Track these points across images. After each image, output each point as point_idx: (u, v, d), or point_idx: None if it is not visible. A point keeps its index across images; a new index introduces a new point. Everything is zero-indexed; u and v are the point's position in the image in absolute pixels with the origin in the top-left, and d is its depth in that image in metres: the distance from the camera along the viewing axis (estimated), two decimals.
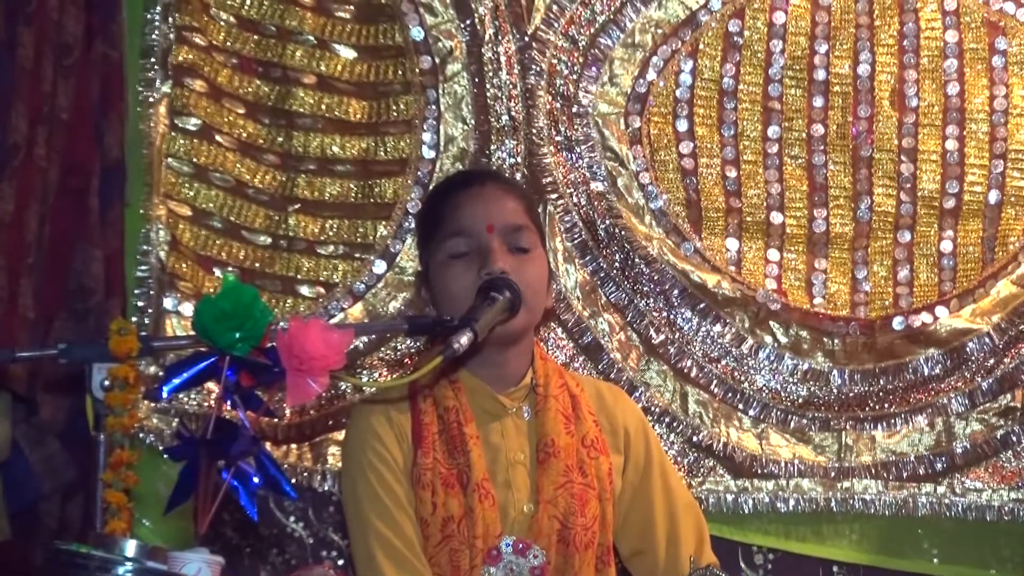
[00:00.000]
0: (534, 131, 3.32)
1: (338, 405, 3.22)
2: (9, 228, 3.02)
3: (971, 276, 3.38)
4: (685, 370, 3.33)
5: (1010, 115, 3.38)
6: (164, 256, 3.18)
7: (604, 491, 2.41)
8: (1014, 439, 3.34)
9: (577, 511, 2.36)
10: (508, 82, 3.32)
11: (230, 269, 3.23)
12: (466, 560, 2.30)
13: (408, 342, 3.25)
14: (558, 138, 3.33)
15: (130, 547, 1.73)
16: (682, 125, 3.37)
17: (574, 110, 3.34)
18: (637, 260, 3.32)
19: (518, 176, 3.28)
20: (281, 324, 1.84)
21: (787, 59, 3.39)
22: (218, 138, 3.25)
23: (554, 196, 3.31)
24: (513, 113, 3.32)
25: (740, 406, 3.33)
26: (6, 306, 3.01)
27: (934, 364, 3.35)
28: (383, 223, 3.29)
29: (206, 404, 3.14)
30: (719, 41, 3.38)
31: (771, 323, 3.36)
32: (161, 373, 3.03)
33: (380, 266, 3.28)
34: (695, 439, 3.31)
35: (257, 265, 3.26)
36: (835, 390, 3.35)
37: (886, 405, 3.35)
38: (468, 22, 3.32)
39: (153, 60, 3.21)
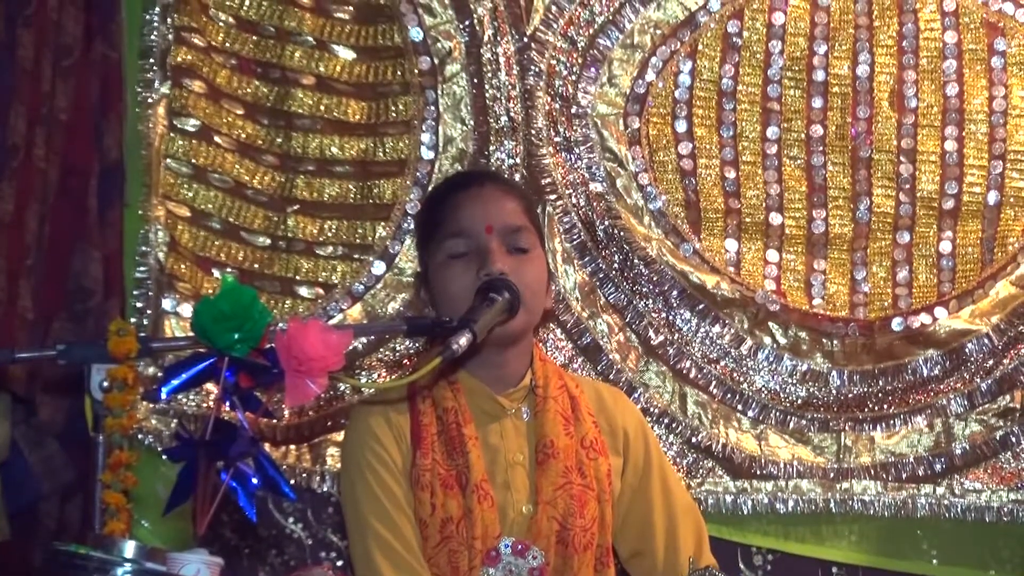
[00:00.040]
0: (533, 132, 3.32)
1: (337, 406, 3.22)
2: (8, 229, 3.02)
3: (970, 277, 3.38)
4: (684, 371, 3.33)
5: (1009, 116, 3.38)
6: (163, 257, 3.18)
7: (603, 492, 2.41)
8: (1013, 440, 3.34)
9: (576, 512, 2.36)
10: (507, 83, 3.32)
11: (229, 270, 3.23)
12: (465, 561, 2.30)
13: (407, 343, 3.25)
14: (557, 139, 3.33)
15: (129, 548, 1.73)
16: (681, 126, 3.37)
17: (573, 111, 3.34)
18: (636, 261, 3.32)
19: (517, 177, 3.28)
20: (280, 325, 1.84)
21: (786, 60, 3.39)
22: (217, 139, 3.25)
23: (553, 197, 3.31)
24: (512, 114, 3.32)
25: (739, 407, 3.33)
26: (5, 307, 3.01)
27: (933, 365, 3.35)
28: (382, 224, 3.29)
29: (205, 405, 3.14)
30: (718, 42, 3.38)
31: (770, 324, 3.36)
32: (160, 374, 3.03)
33: (379, 267, 3.28)
34: (694, 440, 3.31)
35: (256, 266, 3.26)
36: (834, 391, 3.35)
37: (885, 406, 3.35)
38: (467, 23, 3.32)
39: (152, 61, 3.21)
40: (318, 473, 3.22)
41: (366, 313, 3.26)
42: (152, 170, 3.19)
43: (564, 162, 3.33)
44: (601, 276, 3.32)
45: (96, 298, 3.11)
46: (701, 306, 3.33)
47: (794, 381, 3.35)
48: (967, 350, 3.34)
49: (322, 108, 3.30)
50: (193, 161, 3.23)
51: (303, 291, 3.28)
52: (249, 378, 1.84)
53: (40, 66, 3.08)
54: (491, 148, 3.31)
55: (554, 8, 3.34)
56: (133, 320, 3.12)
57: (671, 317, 3.34)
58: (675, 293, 3.33)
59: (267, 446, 3.16)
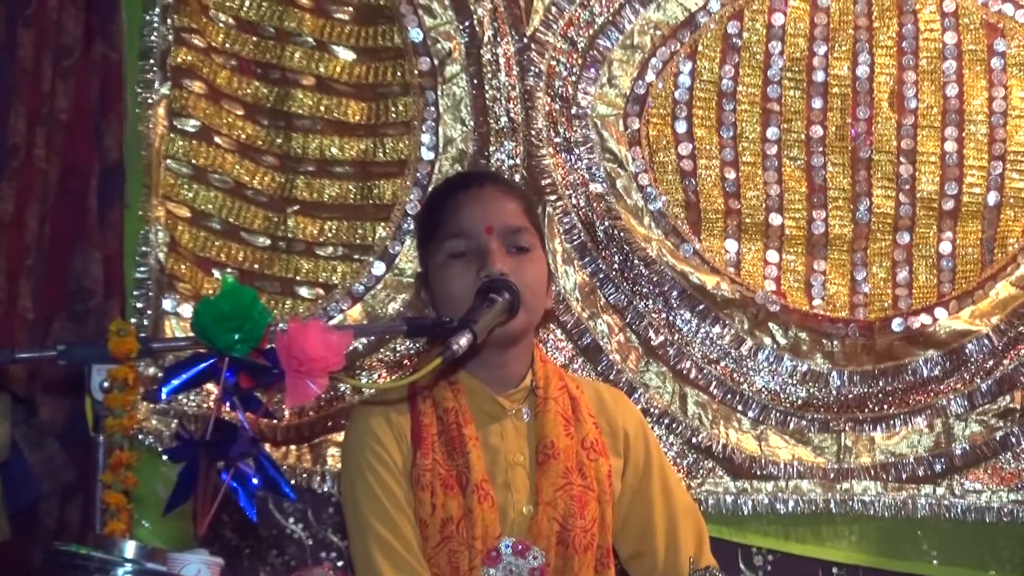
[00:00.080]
0: (533, 133, 3.32)
1: (337, 406, 3.22)
2: (8, 229, 3.02)
3: (970, 278, 3.38)
4: (684, 371, 3.33)
5: (1009, 116, 3.38)
6: (163, 257, 3.18)
7: (603, 493, 2.40)
8: (1013, 441, 3.34)
9: (576, 513, 2.35)
10: (507, 84, 3.32)
11: (229, 270, 3.23)
12: (465, 561, 2.30)
13: (407, 343, 3.25)
14: (557, 140, 3.33)
15: (129, 548, 1.73)
16: (681, 127, 3.38)
17: (573, 112, 3.34)
18: (636, 261, 3.32)
19: (517, 178, 3.28)
20: (280, 325, 1.84)
21: (786, 61, 3.39)
22: (217, 139, 3.25)
23: (553, 198, 3.31)
24: (512, 115, 3.32)
25: (739, 407, 3.33)
26: (5, 307, 3.01)
27: (933, 366, 3.35)
28: (382, 224, 3.29)
29: (205, 405, 3.14)
30: (718, 43, 3.38)
31: (770, 324, 3.36)
32: (160, 374, 3.03)
33: (379, 267, 3.28)
34: (694, 440, 3.31)
35: (256, 266, 3.26)
36: (834, 391, 3.35)
37: (885, 406, 3.35)
38: (467, 23, 3.32)
39: (152, 61, 3.21)
40: (318, 473, 3.22)
41: (366, 314, 3.26)
42: (152, 170, 3.19)
43: (564, 163, 3.33)
44: (601, 277, 3.32)
45: (96, 298, 3.11)
46: (701, 307, 3.34)
47: (794, 382, 3.35)
48: (967, 351, 3.35)
49: (322, 109, 3.31)
50: (193, 162, 3.23)
51: (303, 292, 3.28)
52: (249, 378, 1.84)
53: (40, 66, 3.08)
54: (491, 149, 3.31)
55: (554, 9, 3.34)
56: (133, 320, 3.12)
57: (671, 318, 3.34)
58: (675, 294, 3.33)
59: (267, 446, 3.16)
